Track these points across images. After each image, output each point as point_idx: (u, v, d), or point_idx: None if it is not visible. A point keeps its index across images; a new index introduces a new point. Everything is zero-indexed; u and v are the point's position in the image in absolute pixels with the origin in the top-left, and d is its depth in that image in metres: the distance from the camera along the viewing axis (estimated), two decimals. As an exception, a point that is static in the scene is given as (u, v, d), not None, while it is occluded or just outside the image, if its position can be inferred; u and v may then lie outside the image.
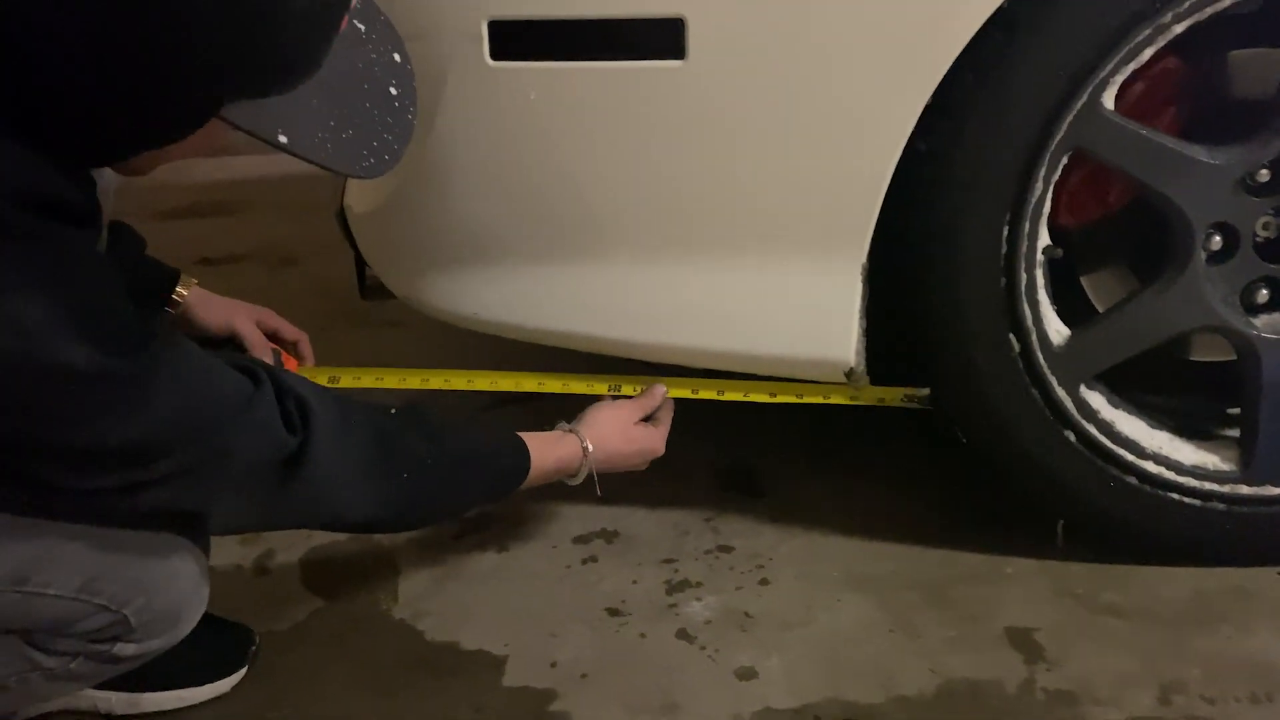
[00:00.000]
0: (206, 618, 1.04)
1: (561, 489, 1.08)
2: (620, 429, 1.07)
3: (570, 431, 1.05)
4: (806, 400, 1.11)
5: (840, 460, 1.36)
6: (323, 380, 1.14)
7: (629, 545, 1.20)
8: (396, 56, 0.75)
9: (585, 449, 1.03)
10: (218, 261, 2.29)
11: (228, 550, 1.23)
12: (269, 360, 1.13)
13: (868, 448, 1.38)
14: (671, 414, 1.12)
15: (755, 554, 1.16)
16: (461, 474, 0.95)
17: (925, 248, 1.02)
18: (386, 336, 1.84)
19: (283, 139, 0.65)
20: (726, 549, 1.18)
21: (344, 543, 1.24)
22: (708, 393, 1.12)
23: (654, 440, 1.10)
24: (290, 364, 1.15)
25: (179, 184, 3.14)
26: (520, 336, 1.13)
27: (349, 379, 1.16)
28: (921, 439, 1.38)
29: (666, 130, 1.00)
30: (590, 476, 1.06)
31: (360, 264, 1.35)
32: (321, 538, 1.25)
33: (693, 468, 1.35)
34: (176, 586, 0.86)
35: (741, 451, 1.39)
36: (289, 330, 1.18)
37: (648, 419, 1.11)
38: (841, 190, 0.99)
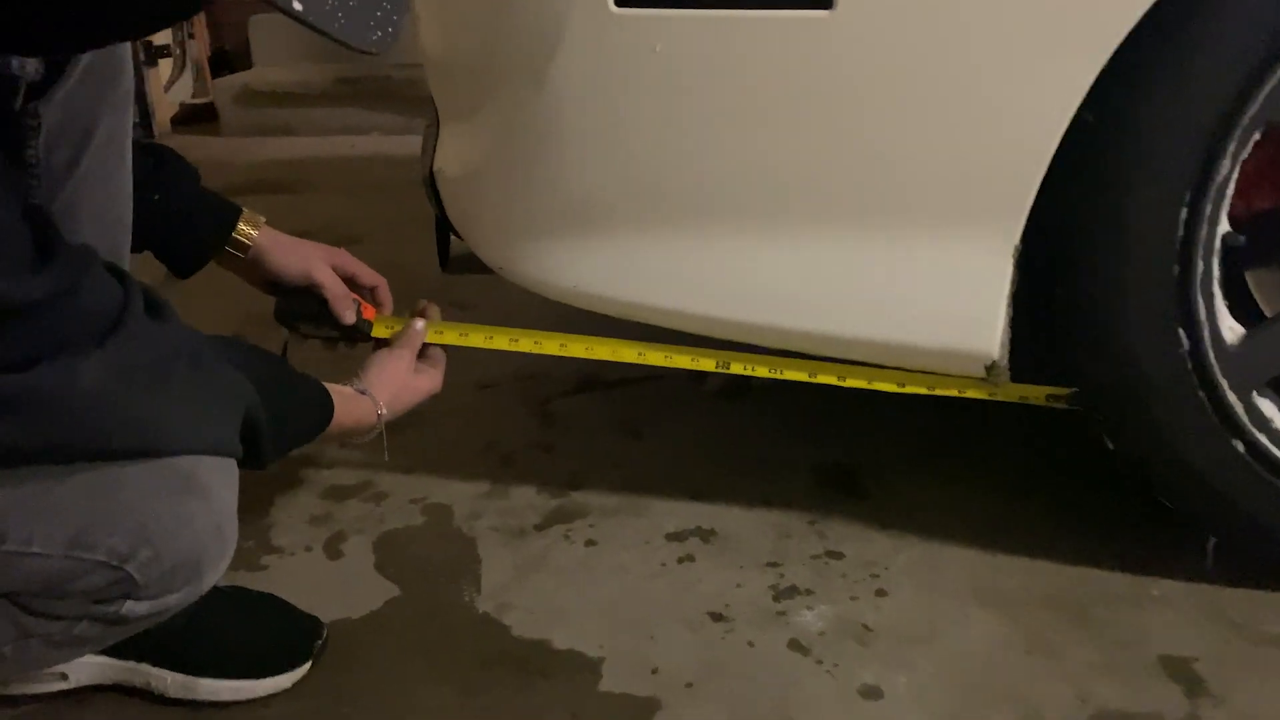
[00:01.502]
0: (272, 604, 0.96)
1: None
2: (405, 380, 1.00)
3: (361, 392, 0.96)
4: (937, 393, 1.01)
5: (949, 460, 1.26)
6: (454, 335, 1.09)
7: (727, 545, 1.11)
8: None
9: (380, 412, 0.96)
10: (278, 238, 2.23)
11: (297, 532, 1.15)
12: (349, 311, 1.05)
13: (977, 446, 1.28)
14: (443, 352, 1.08)
15: (868, 561, 1.07)
16: (272, 404, 0.78)
17: (1085, 228, 0.92)
18: (453, 318, 1.76)
19: (297, 6, 0.55)
20: (836, 555, 1.08)
21: (420, 526, 1.16)
22: (826, 377, 1.03)
23: (434, 382, 1.04)
24: (368, 312, 1.07)
25: (238, 162, 3.10)
26: (624, 314, 1.04)
27: (433, 333, 1.08)
28: (1038, 438, 1.28)
29: (806, 89, 0.91)
30: (380, 436, 0.98)
31: (443, 233, 1.27)
32: (395, 519, 1.17)
33: (790, 464, 1.26)
34: (190, 532, 0.70)
35: (841, 447, 1.29)
36: (367, 274, 1.09)
37: (420, 356, 1.05)
38: (1000, 160, 0.90)
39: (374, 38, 0.59)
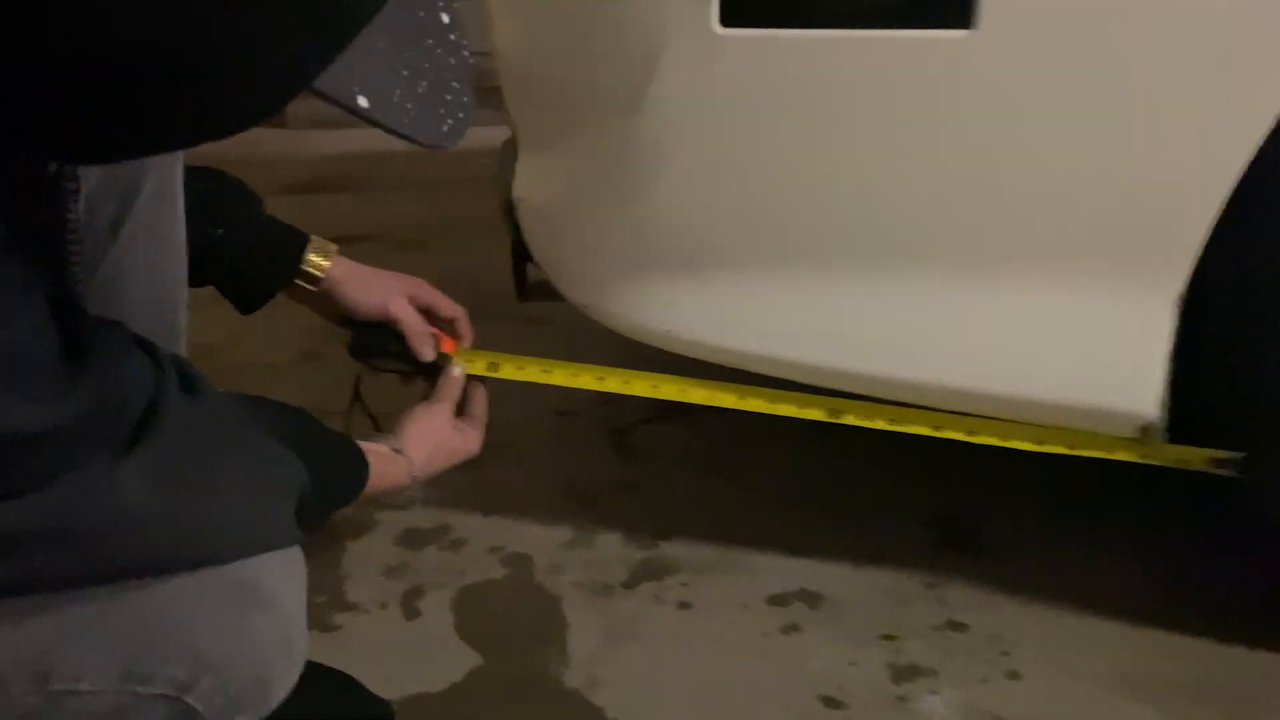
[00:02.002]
0: (341, 686, 0.88)
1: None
2: (442, 438, 0.90)
3: (397, 451, 0.86)
4: (1080, 453, 0.89)
5: (1077, 519, 1.14)
6: (480, 367, 0.98)
7: (837, 613, 1.01)
8: None
9: (413, 474, 0.86)
10: (340, 241, 2.15)
11: (371, 585, 1.08)
12: (428, 347, 0.96)
13: (1107, 504, 1.16)
14: (485, 402, 0.96)
15: (995, 635, 0.96)
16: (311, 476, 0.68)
17: (1261, 275, 0.80)
18: (526, 335, 1.67)
19: (362, 102, 0.47)
20: (958, 626, 0.98)
21: (500, 581, 1.08)
22: (954, 432, 0.92)
23: (471, 445, 0.93)
24: (448, 346, 0.98)
25: (300, 157, 3.05)
26: (728, 362, 0.95)
27: (511, 368, 0.99)
28: (1180, 496, 1.16)
29: (941, 117, 0.80)
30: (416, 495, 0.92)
31: (520, 260, 1.19)
32: (474, 570, 1.09)
33: (900, 512, 1.16)
34: (257, 650, 0.62)
35: (956, 493, 1.18)
36: (445, 306, 0.99)
37: (463, 411, 0.95)
38: (1166, 198, 0.78)
39: (444, 128, 0.51)
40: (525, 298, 1.23)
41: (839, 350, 0.89)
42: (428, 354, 0.96)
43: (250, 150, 3.43)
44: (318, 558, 1.12)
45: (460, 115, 0.53)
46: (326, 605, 1.05)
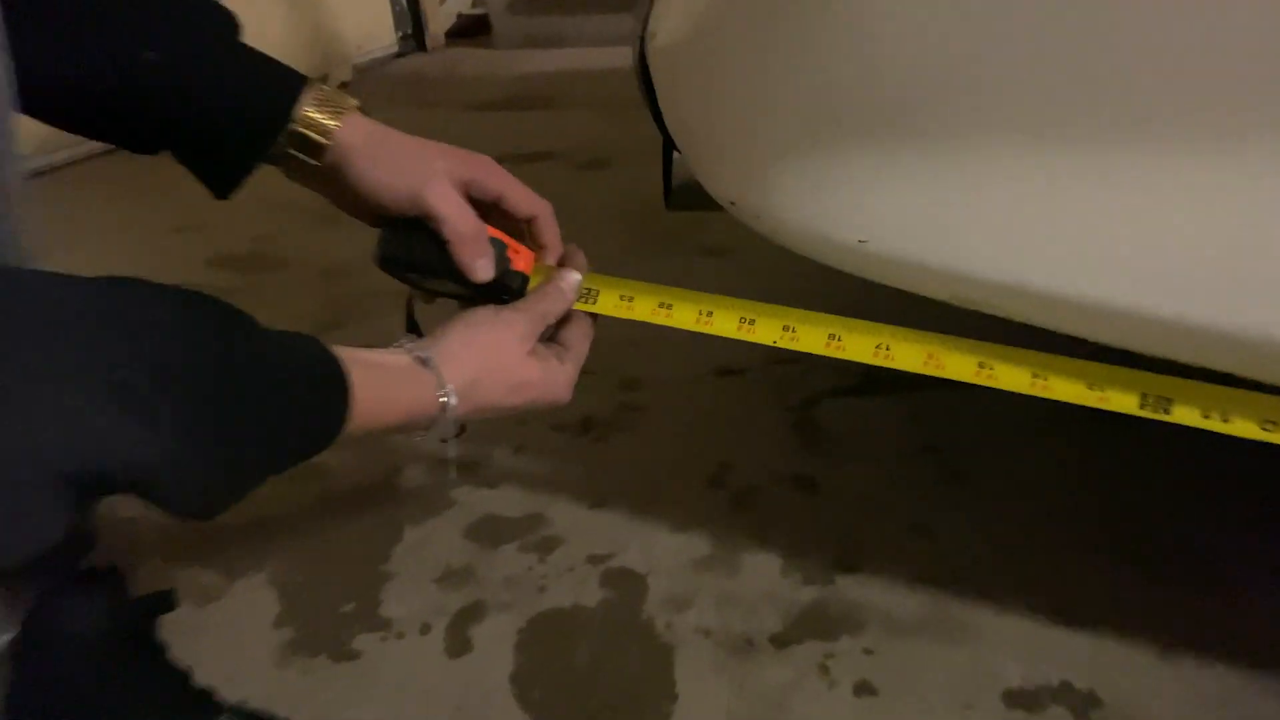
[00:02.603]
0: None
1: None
2: (502, 364, 0.58)
3: (422, 361, 0.55)
4: None
5: None
6: (613, 300, 0.63)
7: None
8: None
9: (445, 400, 0.54)
10: (521, 159, 1.90)
11: (418, 597, 0.76)
12: (482, 259, 0.62)
13: None
14: (589, 335, 0.63)
15: None
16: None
17: None
18: (703, 269, 1.32)
19: None
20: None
21: (593, 610, 0.74)
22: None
23: (554, 384, 0.60)
24: (523, 260, 0.64)
25: (501, 75, 2.82)
26: (946, 293, 0.55)
27: (646, 304, 0.64)
28: None
29: None
30: (451, 433, 0.55)
31: (670, 148, 0.83)
32: (560, 588, 0.76)
33: (1215, 555, 0.71)
34: None
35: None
36: (521, 197, 0.62)
37: (551, 336, 0.62)
38: None
39: None
40: (673, 203, 0.86)
41: (1123, 280, 0.47)
42: (481, 269, 0.62)
43: (449, 70, 3.26)
44: (360, 542, 0.82)
45: None
46: (351, 617, 0.74)
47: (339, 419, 0.49)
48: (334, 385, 0.49)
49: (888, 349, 0.61)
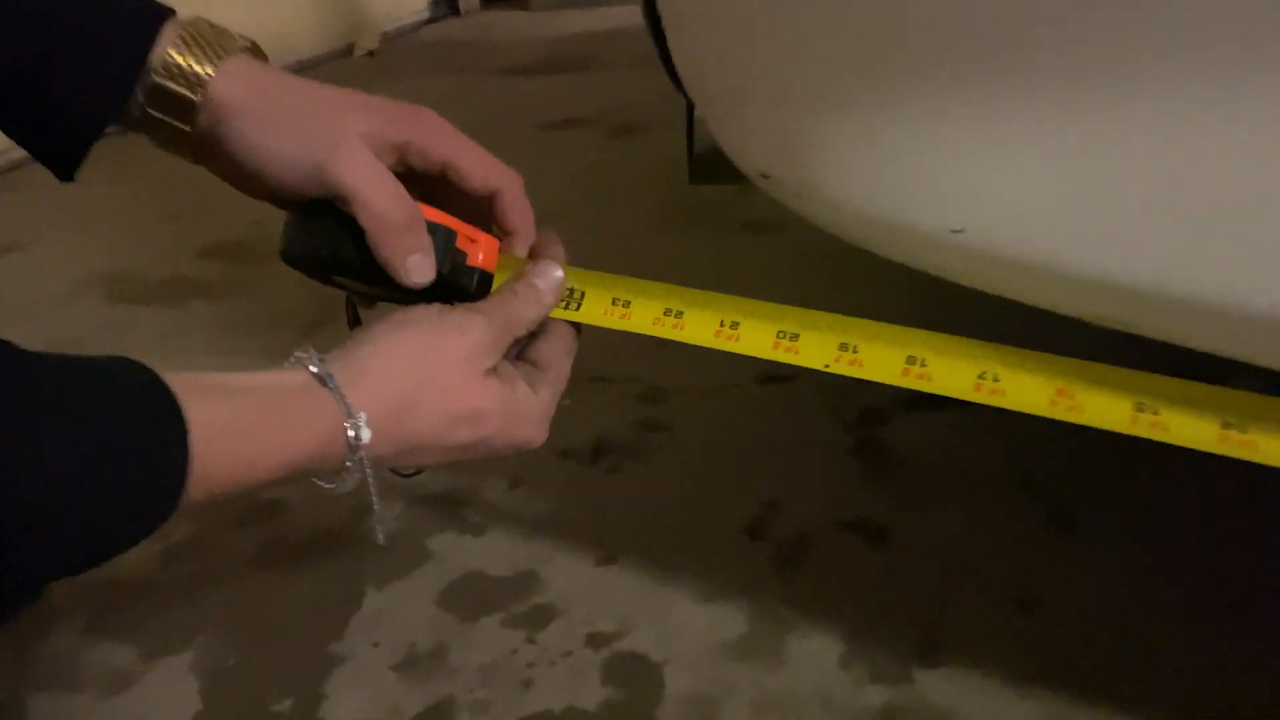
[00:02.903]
0: None
1: None
2: (445, 383, 0.41)
3: (321, 380, 0.38)
4: None
5: None
6: (603, 304, 0.47)
7: None
8: None
9: (351, 434, 0.38)
10: (552, 126, 1.71)
11: (369, 691, 0.60)
12: (415, 261, 0.43)
13: None
14: (571, 352, 0.46)
15: None
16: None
17: None
18: (742, 249, 1.13)
19: None
20: None
21: (593, 718, 0.57)
22: None
23: (521, 419, 0.43)
24: (483, 250, 0.45)
25: (535, 38, 2.64)
26: (1047, 298, 0.36)
27: (647, 311, 0.46)
28: None
29: None
30: (366, 483, 0.39)
31: (692, 114, 0.65)
32: (551, 682, 0.58)
33: None
34: None
35: None
36: (476, 166, 0.45)
37: (520, 353, 0.45)
38: None
39: None
40: (696, 175, 0.68)
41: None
42: (413, 269, 0.45)
43: (482, 34, 3.08)
44: (311, 609, 0.66)
45: None
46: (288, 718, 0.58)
47: (172, 481, 0.33)
48: (162, 427, 0.32)
49: (995, 379, 0.42)
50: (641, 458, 0.77)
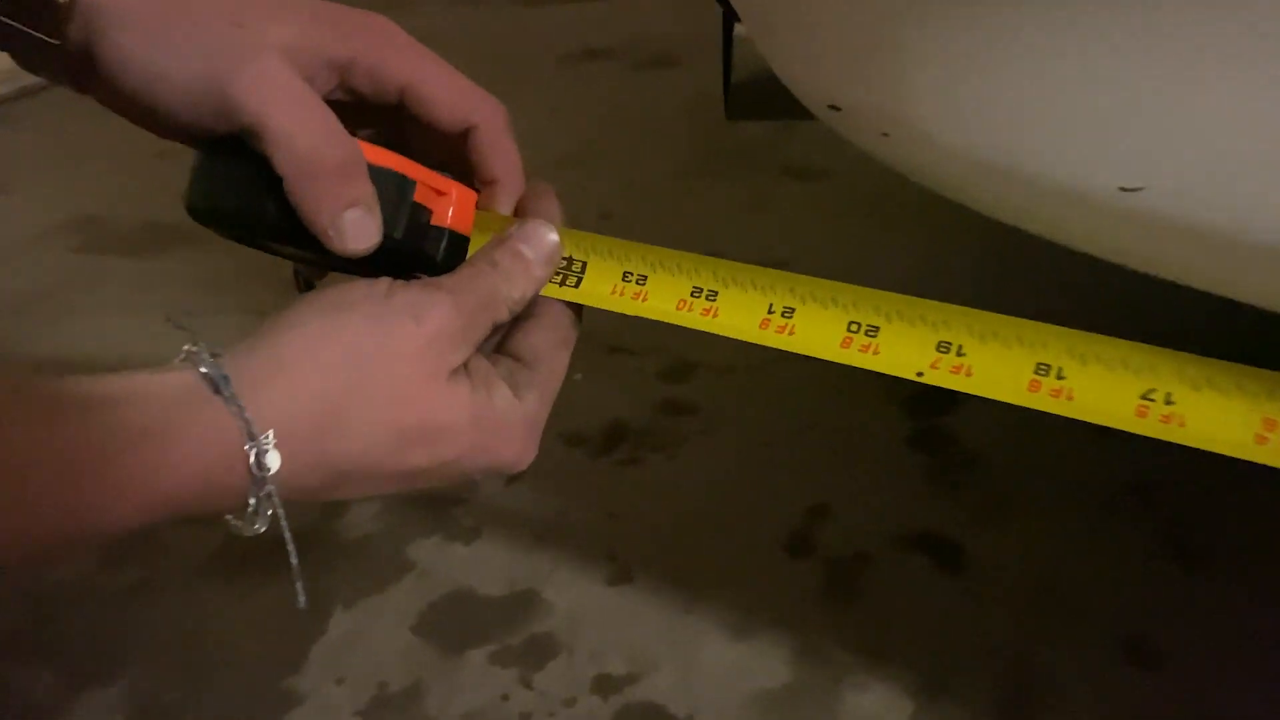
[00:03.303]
0: None
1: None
2: (390, 388, 0.28)
3: (213, 384, 0.26)
4: None
5: None
6: (612, 279, 0.34)
7: None
8: None
9: (253, 460, 0.25)
10: (571, 58, 1.57)
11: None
12: (363, 207, 0.31)
13: None
14: (569, 342, 0.32)
15: None
16: None
17: None
18: (786, 198, 0.99)
19: None
20: None
21: None
22: None
23: (500, 433, 0.30)
24: (454, 205, 0.33)
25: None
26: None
27: (669, 290, 0.34)
28: None
29: None
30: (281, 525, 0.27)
31: (733, 24, 0.53)
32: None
33: None
34: None
35: None
36: (444, 92, 0.33)
37: (500, 344, 0.32)
38: None
39: None
40: (734, 109, 0.55)
41: None
42: (349, 231, 0.32)
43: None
44: (267, 631, 0.55)
45: None
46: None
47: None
48: None
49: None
50: (663, 447, 0.66)
